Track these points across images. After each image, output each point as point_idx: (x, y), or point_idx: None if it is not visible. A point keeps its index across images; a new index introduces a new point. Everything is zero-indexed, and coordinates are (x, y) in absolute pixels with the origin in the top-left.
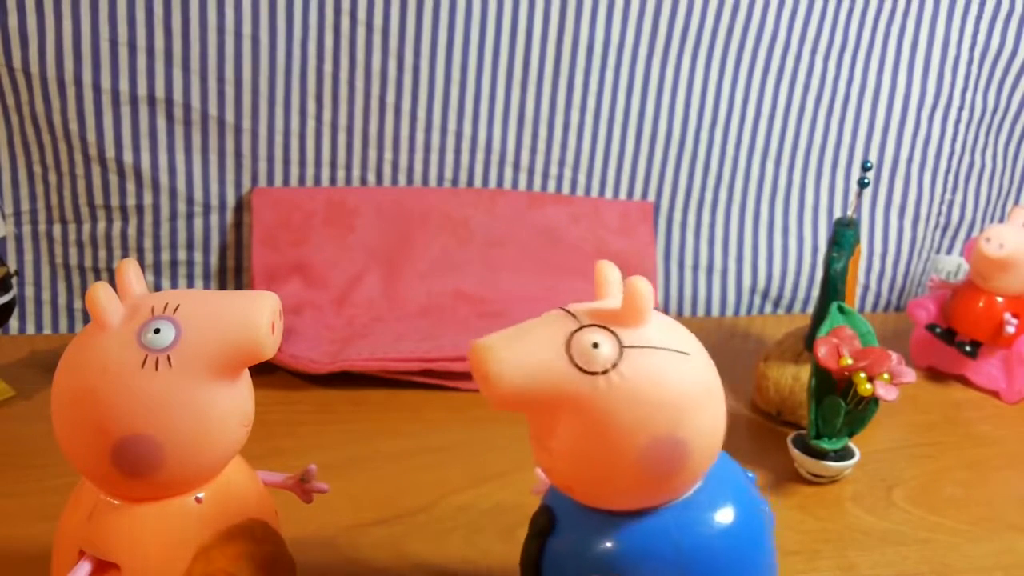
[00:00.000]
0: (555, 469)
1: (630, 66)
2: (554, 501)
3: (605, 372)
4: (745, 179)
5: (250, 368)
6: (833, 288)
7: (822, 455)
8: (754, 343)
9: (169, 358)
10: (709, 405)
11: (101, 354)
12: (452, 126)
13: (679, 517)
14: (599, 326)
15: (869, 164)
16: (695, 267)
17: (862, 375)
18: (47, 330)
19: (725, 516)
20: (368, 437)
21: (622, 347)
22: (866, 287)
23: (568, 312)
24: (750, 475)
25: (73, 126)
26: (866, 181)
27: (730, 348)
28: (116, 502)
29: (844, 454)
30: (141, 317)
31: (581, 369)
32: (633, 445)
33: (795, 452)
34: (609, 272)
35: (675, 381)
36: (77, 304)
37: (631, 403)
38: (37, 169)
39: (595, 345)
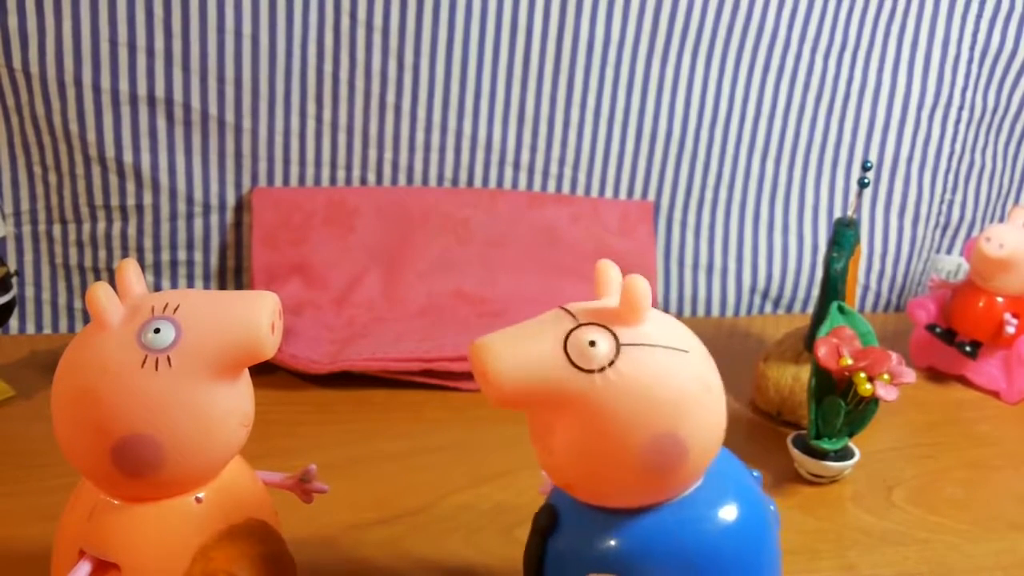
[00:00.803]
0: (555, 467)
1: (630, 65)
2: (557, 499)
3: (602, 370)
4: (745, 178)
5: (250, 368)
6: (833, 288)
7: (822, 455)
8: (754, 343)
9: (169, 358)
10: (708, 402)
11: (101, 354)
12: (452, 125)
13: (680, 514)
14: (597, 324)
15: (869, 164)
16: (695, 267)
17: (862, 375)
18: (47, 330)
19: (727, 513)
20: (368, 437)
21: (619, 345)
22: (866, 287)
23: (567, 311)
24: (755, 473)
25: (73, 126)
26: (866, 181)
27: (730, 348)
28: (116, 502)
29: (844, 454)
30: (141, 317)
31: (578, 367)
32: (631, 442)
33: (795, 452)
34: (609, 271)
35: (673, 378)
36: (77, 304)
37: (628, 400)
38: (37, 169)
39: (592, 343)
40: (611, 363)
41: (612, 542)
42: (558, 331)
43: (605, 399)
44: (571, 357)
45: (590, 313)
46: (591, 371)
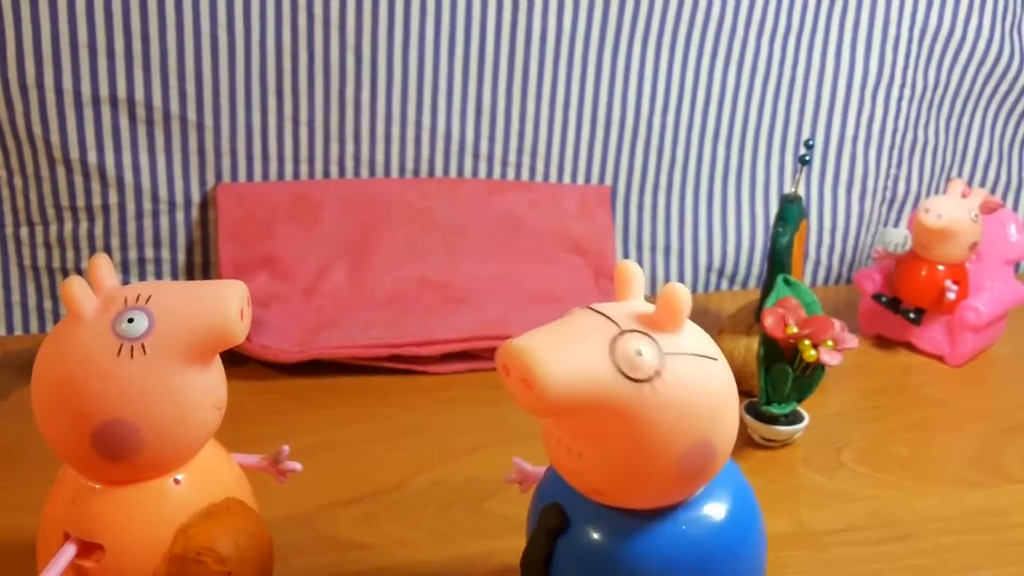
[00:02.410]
0: (583, 471)
1: (582, 54)
2: (561, 497)
3: (649, 379)
4: (697, 161)
5: (223, 359)
6: (779, 261)
7: (773, 420)
8: (712, 319)
9: (143, 346)
10: (732, 408)
11: (78, 344)
12: (411, 117)
13: (691, 514)
14: (639, 332)
15: (811, 143)
16: (652, 248)
17: (807, 342)
18: (18, 331)
19: (731, 513)
20: (340, 422)
21: (663, 354)
22: (817, 261)
23: (603, 314)
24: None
25: (36, 129)
26: (807, 158)
27: None
28: (98, 486)
29: (794, 418)
30: (115, 308)
31: (626, 376)
32: (673, 450)
33: (748, 418)
34: (631, 271)
35: (709, 387)
36: (47, 305)
37: (672, 410)
38: (1, 172)
39: (639, 352)
40: (657, 373)
41: (631, 543)
42: (602, 337)
43: (651, 409)
44: (619, 366)
45: (629, 319)
46: (639, 380)
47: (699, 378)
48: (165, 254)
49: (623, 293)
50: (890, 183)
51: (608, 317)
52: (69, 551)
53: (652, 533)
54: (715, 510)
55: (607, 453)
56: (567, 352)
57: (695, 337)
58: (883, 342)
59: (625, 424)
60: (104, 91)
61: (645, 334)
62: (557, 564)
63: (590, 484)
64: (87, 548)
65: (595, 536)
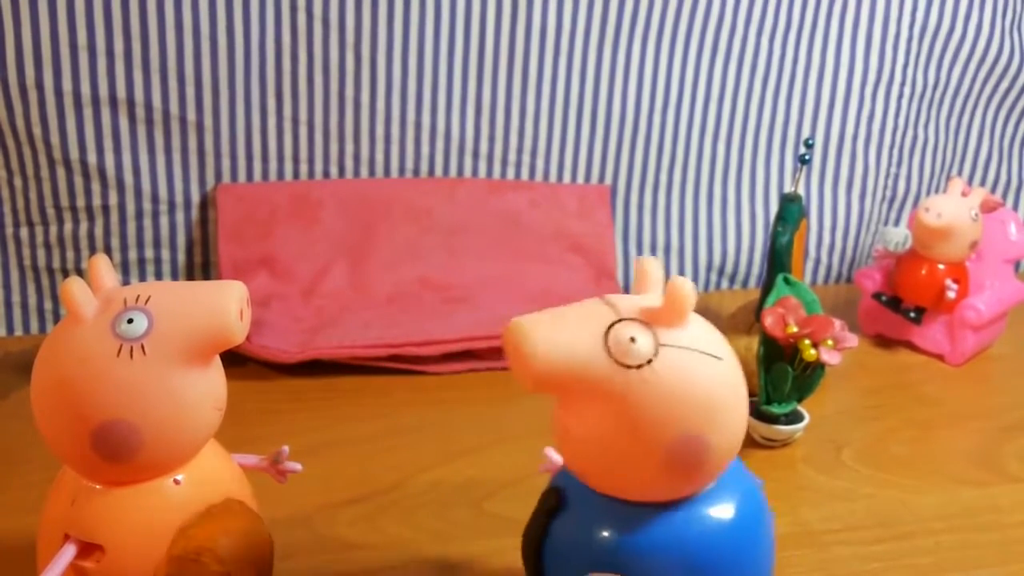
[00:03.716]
0: (572, 452)
1: (582, 52)
2: (564, 482)
3: (639, 367)
4: (697, 160)
5: (223, 360)
6: (779, 260)
7: (773, 419)
8: (712, 318)
9: (143, 346)
10: (735, 408)
11: (78, 345)
12: (411, 117)
13: (690, 514)
14: (638, 321)
15: (811, 142)
16: (653, 247)
17: (807, 342)
18: (18, 331)
19: (733, 517)
20: (340, 421)
21: (658, 344)
22: (817, 260)
23: (609, 303)
24: (757, 480)
25: (36, 130)
26: (807, 157)
27: None
28: (98, 487)
29: (794, 418)
30: (114, 308)
31: (616, 361)
32: (656, 441)
33: (748, 418)
34: (650, 267)
35: (705, 383)
36: (47, 305)
37: (660, 400)
38: (2, 173)
39: (632, 339)
40: (649, 361)
41: (616, 532)
42: (600, 322)
43: (638, 396)
44: (610, 350)
45: (633, 309)
46: (628, 367)
47: (695, 373)
48: (165, 254)
49: (638, 288)
50: (890, 182)
51: (612, 306)
52: (69, 552)
53: (637, 525)
54: (716, 512)
55: (592, 434)
56: (560, 332)
57: (700, 334)
58: (883, 341)
59: (611, 407)
60: (104, 92)
61: (644, 324)
62: (550, 544)
63: (576, 464)
64: (87, 549)
65: (585, 521)
